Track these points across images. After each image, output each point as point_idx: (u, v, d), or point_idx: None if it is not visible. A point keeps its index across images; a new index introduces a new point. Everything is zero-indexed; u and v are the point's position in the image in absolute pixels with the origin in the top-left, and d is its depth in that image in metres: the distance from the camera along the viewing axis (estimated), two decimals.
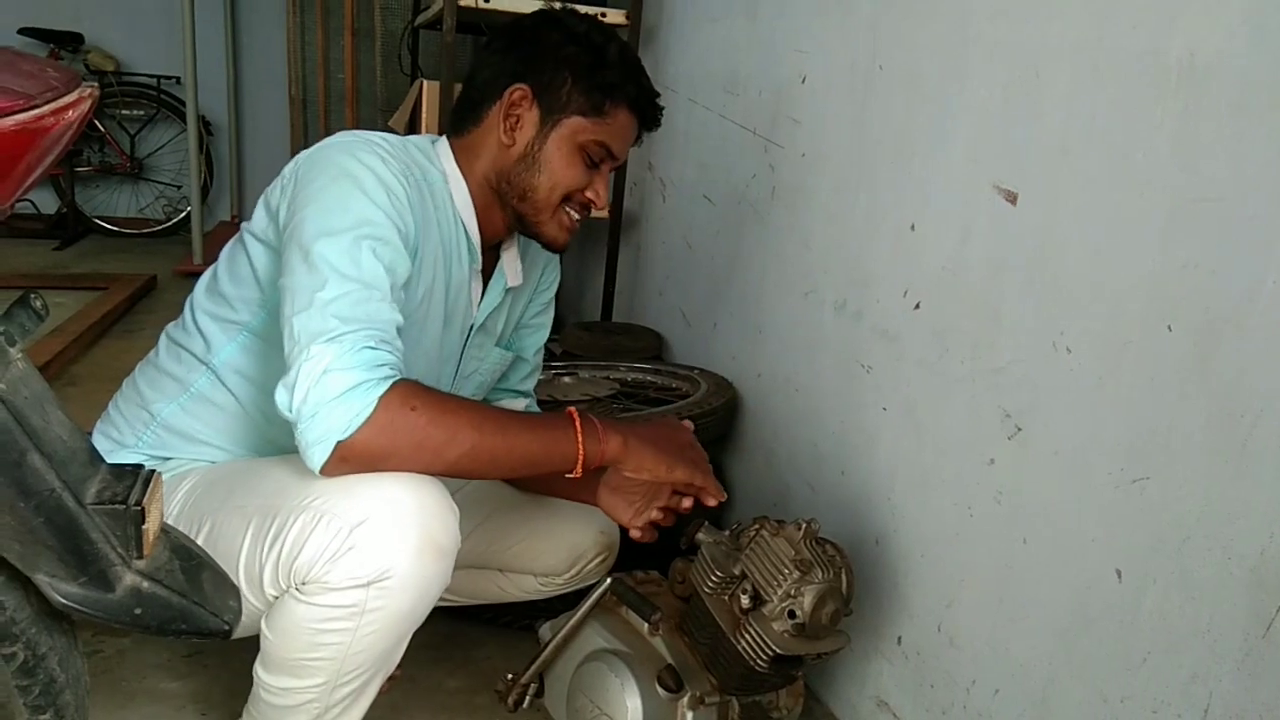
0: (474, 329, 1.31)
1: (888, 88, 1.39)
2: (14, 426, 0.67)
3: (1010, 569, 1.11)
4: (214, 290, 1.22)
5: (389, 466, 1.00)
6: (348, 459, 0.98)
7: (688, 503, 1.24)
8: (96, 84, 0.76)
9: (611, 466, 1.22)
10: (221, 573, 0.82)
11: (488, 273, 1.31)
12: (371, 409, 0.96)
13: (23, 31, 4.56)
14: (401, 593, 0.99)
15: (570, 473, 1.10)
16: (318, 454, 0.97)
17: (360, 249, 1.04)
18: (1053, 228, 1.06)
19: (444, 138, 1.26)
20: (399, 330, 1.05)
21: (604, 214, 2.52)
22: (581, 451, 1.09)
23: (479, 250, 1.25)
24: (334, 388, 0.96)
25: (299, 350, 0.98)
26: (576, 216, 1.25)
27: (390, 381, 0.98)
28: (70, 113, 0.68)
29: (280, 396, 0.98)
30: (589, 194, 1.23)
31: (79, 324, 3.07)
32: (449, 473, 1.04)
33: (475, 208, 1.23)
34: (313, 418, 0.96)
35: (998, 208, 1.14)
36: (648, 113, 1.26)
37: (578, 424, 1.10)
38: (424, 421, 0.99)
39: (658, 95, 1.27)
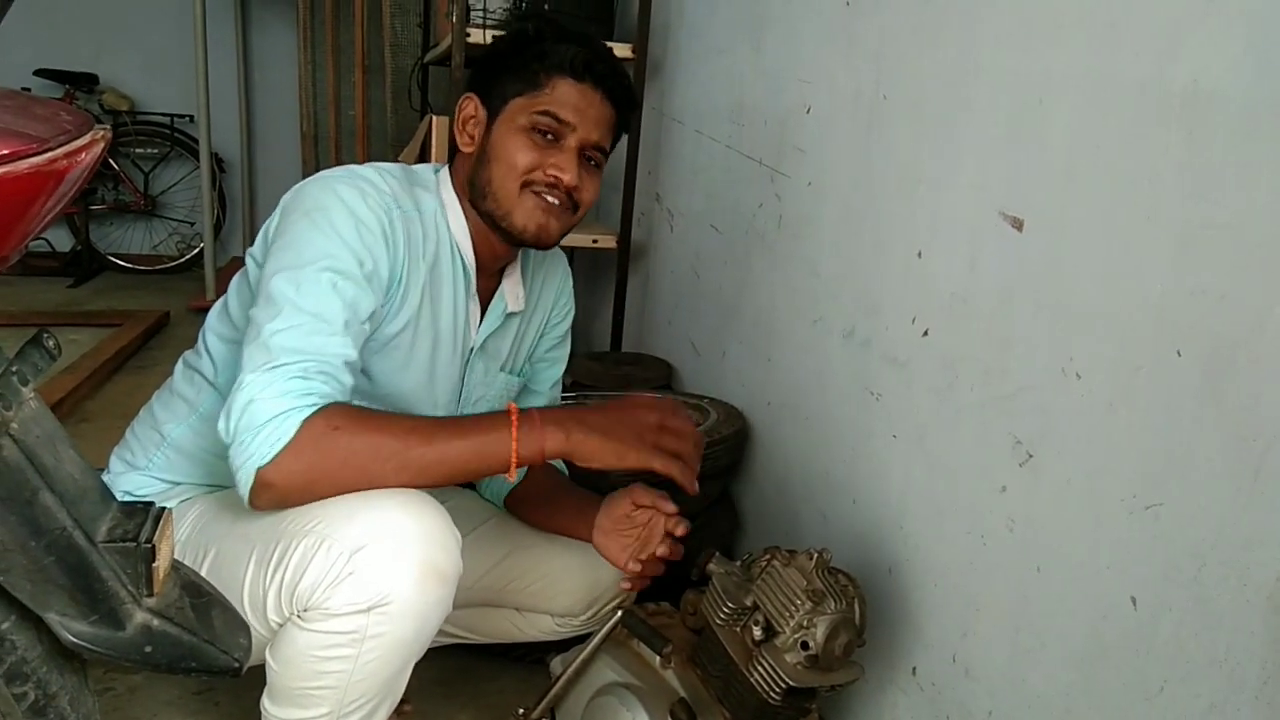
0: (473, 352, 1.31)
1: (892, 117, 1.40)
2: (26, 465, 0.67)
3: (1025, 598, 1.10)
4: (224, 314, 1.26)
5: (319, 490, 1.01)
6: (272, 485, 0.99)
7: (676, 549, 1.25)
8: (109, 126, 0.77)
9: (604, 502, 1.23)
10: (232, 609, 0.82)
11: (491, 296, 1.32)
12: (292, 434, 0.97)
13: (39, 73, 4.63)
14: (402, 618, 0.99)
15: (507, 472, 1.06)
16: (243, 482, 0.99)
17: (318, 282, 1.06)
18: (1060, 254, 1.05)
19: (447, 166, 1.29)
20: (348, 363, 1.06)
21: (612, 244, 2.54)
22: (516, 451, 1.05)
23: (474, 274, 1.26)
24: (258, 417, 0.98)
25: (238, 379, 1.01)
26: (551, 200, 1.19)
27: (315, 408, 0.99)
28: (83, 155, 0.69)
29: (219, 424, 1.01)
30: (550, 170, 1.18)
31: (92, 361, 3.09)
32: (385, 486, 1.02)
33: (472, 231, 1.24)
34: (238, 446, 0.99)
35: (1004, 235, 1.14)
36: (589, 69, 1.19)
37: (514, 422, 1.06)
38: (346, 439, 0.99)
39: (600, 50, 1.21)
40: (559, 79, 1.18)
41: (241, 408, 0.99)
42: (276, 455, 0.97)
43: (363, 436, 1.00)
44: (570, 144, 1.19)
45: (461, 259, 1.24)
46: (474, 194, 1.22)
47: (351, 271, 1.08)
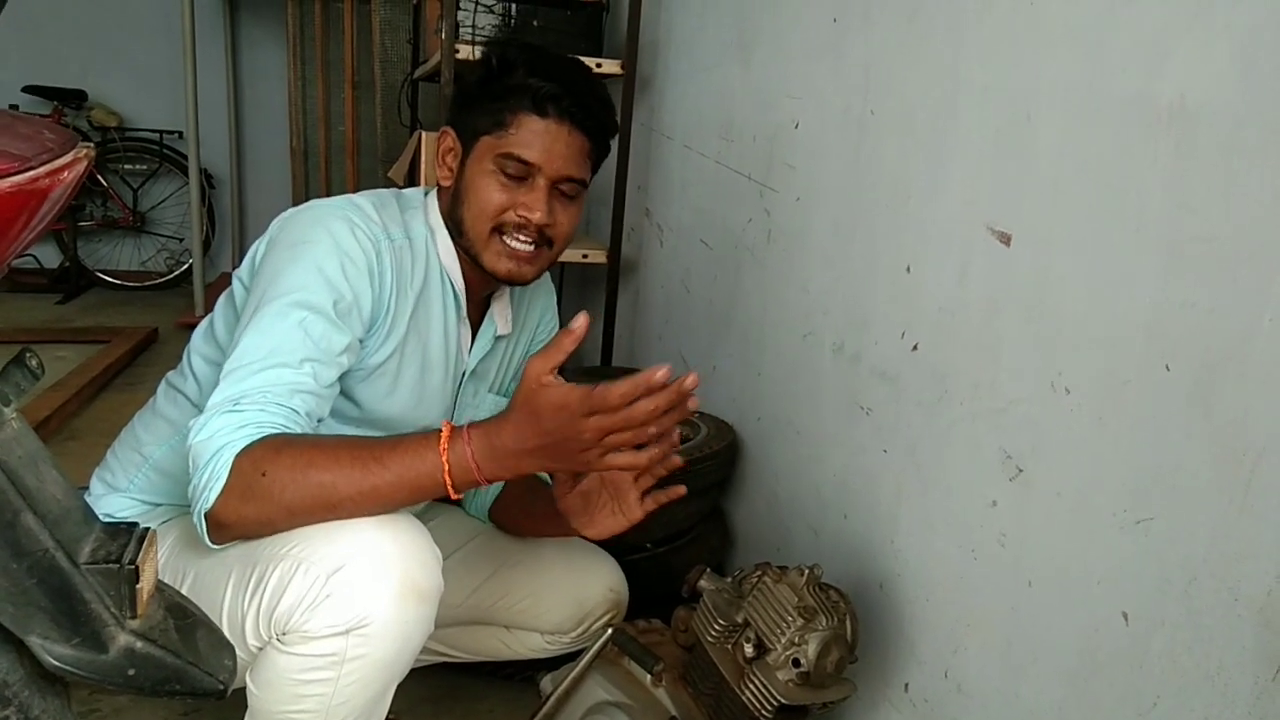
0: (465, 376, 1.31)
1: (880, 132, 1.40)
2: (7, 486, 0.67)
3: (1016, 613, 1.10)
4: (209, 334, 1.25)
5: (269, 531, 0.99)
6: (224, 526, 0.98)
7: (665, 441, 1.03)
8: (93, 144, 0.76)
9: (558, 497, 1.15)
10: (217, 631, 0.81)
11: (481, 321, 1.32)
12: (225, 475, 0.95)
13: (27, 89, 4.62)
14: (382, 639, 0.98)
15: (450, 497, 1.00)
16: (199, 528, 0.99)
17: (285, 318, 1.05)
18: (1048, 268, 1.06)
19: (435, 189, 1.29)
20: (302, 391, 1.03)
21: (602, 259, 2.54)
22: (449, 484, 0.98)
23: (463, 299, 1.26)
24: (199, 459, 0.98)
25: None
26: (521, 242, 1.18)
27: (250, 439, 0.97)
28: (66, 174, 0.68)
29: None
30: (520, 211, 1.17)
31: (80, 378, 3.07)
32: (335, 519, 0.99)
33: (459, 258, 1.24)
34: (191, 489, 0.98)
35: (993, 249, 1.14)
36: (555, 103, 1.16)
37: (445, 459, 0.98)
38: (278, 488, 0.96)
39: (569, 81, 1.17)
40: (523, 116, 1.16)
41: (189, 452, 0.99)
42: (217, 499, 0.96)
43: (295, 480, 0.96)
44: (539, 183, 1.17)
45: (451, 284, 1.25)
46: (452, 229, 1.23)
47: (324, 308, 1.07)
